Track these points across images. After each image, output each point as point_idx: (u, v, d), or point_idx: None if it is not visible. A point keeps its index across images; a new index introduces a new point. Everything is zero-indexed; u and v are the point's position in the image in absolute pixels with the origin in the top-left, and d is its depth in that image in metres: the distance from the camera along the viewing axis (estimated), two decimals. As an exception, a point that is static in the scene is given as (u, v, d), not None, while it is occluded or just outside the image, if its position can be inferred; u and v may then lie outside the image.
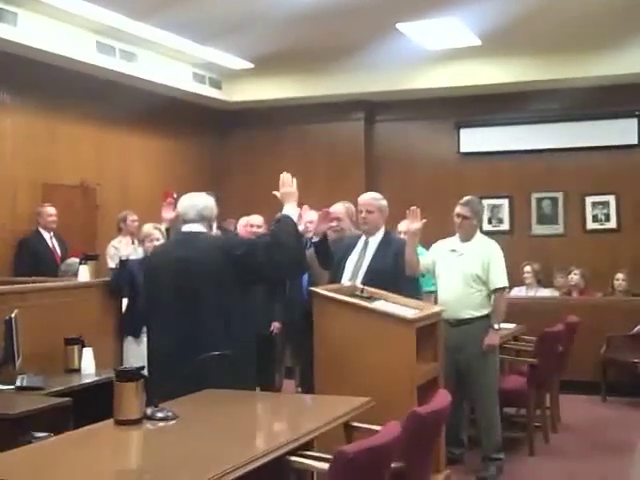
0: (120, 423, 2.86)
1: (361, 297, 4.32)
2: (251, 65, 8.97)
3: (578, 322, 6.21)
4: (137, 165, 8.92)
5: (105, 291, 5.22)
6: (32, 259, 7.09)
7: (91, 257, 5.66)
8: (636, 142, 8.90)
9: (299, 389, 6.24)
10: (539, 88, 8.82)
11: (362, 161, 9.81)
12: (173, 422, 2.92)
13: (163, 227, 5.03)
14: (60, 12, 6.98)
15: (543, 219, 9.31)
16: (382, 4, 6.86)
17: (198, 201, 3.86)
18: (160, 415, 2.93)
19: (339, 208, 5.29)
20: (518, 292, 7.99)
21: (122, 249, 5.64)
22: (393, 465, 2.66)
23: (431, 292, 5.45)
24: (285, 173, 3.81)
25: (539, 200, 9.33)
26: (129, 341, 5.15)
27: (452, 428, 4.70)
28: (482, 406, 5.13)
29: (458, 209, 5.14)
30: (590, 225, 9.13)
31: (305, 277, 5.11)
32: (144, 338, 4.57)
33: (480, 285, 5.03)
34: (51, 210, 7.29)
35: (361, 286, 4.49)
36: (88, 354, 4.62)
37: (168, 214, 4.80)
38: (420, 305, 4.47)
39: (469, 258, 5.07)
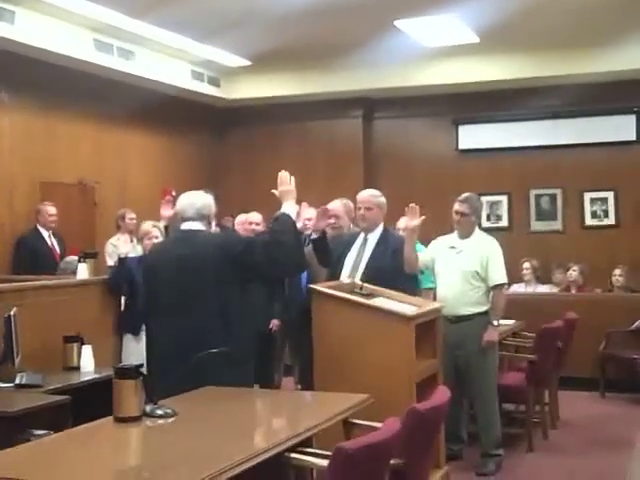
0: (119, 421, 2.86)
1: (360, 294, 4.32)
2: (249, 63, 8.97)
3: (577, 318, 6.21)
4: (135, 163, 8.92)
5: (104, 289, 5.22)
6: (31, 257, 7.09)
7: (90, 255, 5.66)
8: (634, 138, 8.91)
9: (298, 386, 6.24)
10: (538, 85, 8.83)
11: (361, 158, 9.81)
12: (172, 419, 2.92)
13: (162, 225, 5.04)
14: (58, 10, 6.98)
15: (542, 215, 9.32)
16: (380, 1, 6.86)
17: (197, 199, 3.87)
18: (159, 412, 2.93)
19: (337, 205, 5.29)
20: (517, 288, 7.99)
21: (121, 247, 5.65)
22: (392, 462, 2.66)
23: (430, 289, 5.45)
24: (283, 171, 3.81)
25: (538, 197, 9.33)
26: (128, 339, 5.15)
27: (451, 424, 4.71)
28: (481, 402, 5.14)
29: (457, 206, 5.14)
30: (589, 221, 9.14)
31: (304, 274, 5.11)
32: (143, 336, 4.56)
33: (479, 282, 5.04)
34: (52, 210, 7.29)
35: (360, 283, 4.49)
36: (87, 352, 4.62)
37: (167, 212, 4.80)
38: (419, 302, 4.48)
39: (468, 255, 5.07)
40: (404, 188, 8.61)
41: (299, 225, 3.78)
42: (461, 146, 9.62)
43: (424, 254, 5.16)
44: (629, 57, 8.19)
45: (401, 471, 2.74)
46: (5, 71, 7.11)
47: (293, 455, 2.73)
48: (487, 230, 5.66)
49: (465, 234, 5.15)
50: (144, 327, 4.37)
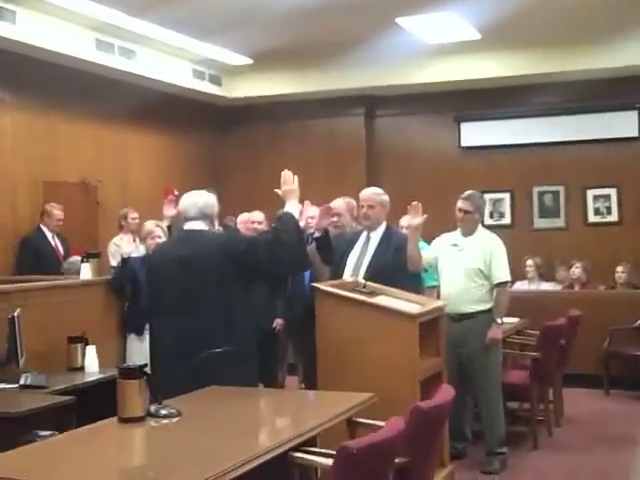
0: (124, 421, 2.86)
1: (363, 292, 4.32)
2: (251, 61, 8.96)
3: (580, 315, 6.21)
4: (137, 162, 8.92)
5: (107, 289, 5.22)
6: (34, 257, 7.09)
7: (93, 255, 5.66)
8: (637, 135, 8.88)
9: (302, 385, 6.24)
10: (539, 81, 8.80)
11: (363, 156, 9.80)
12: (177, 419, 2.92)
13: (164, 224, 5.03)
14: (59, 10, 6.97)
15: (544, 213, 9.31)
16: (382, -1, 6.85)
17: (199, 199, 3.87)
18: (164, 412, 2.93)
19: (339, 204, 5.29)
20: (520, 286, 7.99)
21: (123, 247, 5.66)
22: (397, 460, 2.66)
23: (433, 287, 5.45)
24: (286, 171, 3.81)
25: (540, 194, 9.32)
26: (132, 339, 5.16)
27: (455, 423, 4.70)
28: (485, 400, 5.13)
29: (460, 204, 5.13)
30: (591, 218, 9.12)
31: (307, 273, 5.12)
32: (147, 336, 4.57)
33: (482, 279, 5.03)
34: (60, 214, 7.27)
35: (363, 281, 4.49)
36: (91, 352, 4.62)
37: (169, 211, 4.79)
38: (422, 300, 4.48)
39: (471, 252, 5.06)
40: (406, 186, 8.60)
41: (302, 224, 3.78)
42: (463, 143, 9.61)
43: (427, 252, 5.15)
44: (630, 53, 8.17)
45: (405, 470, 2.74)
46: (6, 71, 7.11)
47: (297, 454, 2.74)
48: (490, 228, 5.66)
49: (468, 232, 5.14)
50: (148, 327, 4.38)
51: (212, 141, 10.12)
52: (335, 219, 5.09)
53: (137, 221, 7.27)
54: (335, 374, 4.01)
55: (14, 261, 7.24)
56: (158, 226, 5.14)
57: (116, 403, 2.89)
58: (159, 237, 5.07)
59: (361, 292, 4.32)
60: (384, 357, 3.99)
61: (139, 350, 4.93)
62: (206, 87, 9.35)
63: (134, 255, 5.29)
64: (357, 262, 4.81)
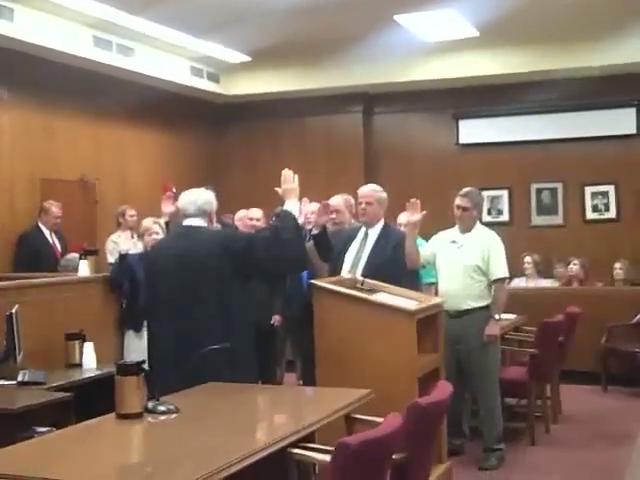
0: (121, 417, 2.86)
1: (361, 289, 4.32)
2: (249, 58, 8.95)
3: (578, 312, 6.21)
4: (135, 160, 8.91)
5: (105, 286, 5.22)
6: (32, 254, 7.08)
7: (91, 252, 5.66)
8: (635, 131, 8.89)
9: (300, 382, 6.24)
10: (538, 78, 8.80)
11: (361, 153, 9.80)
12: (174, 416, 2.92)
13: (162, 221, 5.02)
14: (57, 7, 6.96)
15: (543, 210, 9.31)
16: (379, -4, 6.85)
17: (198, 196, 3.87)
18: (161, 409, 2.93)
19: (338, 201, 5.29)
20: (518, 283, 7.99)
21: (121, 244, 5.65)
22: (394, 456, 2.66)
23: (431, 284, 5.45)
24: (287, 170, 3.81)
25: (538, 191, 9.32)
26: (130, 335, 5.16)
27: (453, 419, 4.71)
28: (483, 397, 5.14)
29: (458, 200, 5.14)
30: (590, 215, 9.13)
31: (305, 270, 5.11)
32: (145, 332, 4.57)
33: (480, 276, 5.03)
34: (58, 211, 7.27)
35: (361, 278, 4.49)
36: (89, 349, 4.63)
37: (168, 208, 4.79)
38: (421, 297, 4.48)
39: (469, 249, 5.07)
40: (405, 183, 8.60)
41: (300, 221, 3.78)
42: (461, 140, 9.61)
43: (425, 249, 5.16)
44: (629, 50, 8.17)
45: (403, 466, 2.75)
46: (4, 68, 7.10)
47: (295, 450, 2.74)
48: (488, 224, 5.66)
49: (466, 228, 5.15)
50: (146, 324, 4.38)
51: (210, 138, 10.11)
52: (333, 216, 5.09)
53: (135, 218, 7.27)
54: (333, 371, 4.02)
55: (12, 258, 7.24)
56: (156, 223, 5.14)
57: (114, 399, 2.89)
58: (157, 234, 5.07)
59: (359, 289, 4.32)
60: (382, 354, 4.00)
61: (137, 347, 4.93)
62: (204, 84, 9.35)
63: (132, 252, 5.28)
64: (355, 259, 4.81)
